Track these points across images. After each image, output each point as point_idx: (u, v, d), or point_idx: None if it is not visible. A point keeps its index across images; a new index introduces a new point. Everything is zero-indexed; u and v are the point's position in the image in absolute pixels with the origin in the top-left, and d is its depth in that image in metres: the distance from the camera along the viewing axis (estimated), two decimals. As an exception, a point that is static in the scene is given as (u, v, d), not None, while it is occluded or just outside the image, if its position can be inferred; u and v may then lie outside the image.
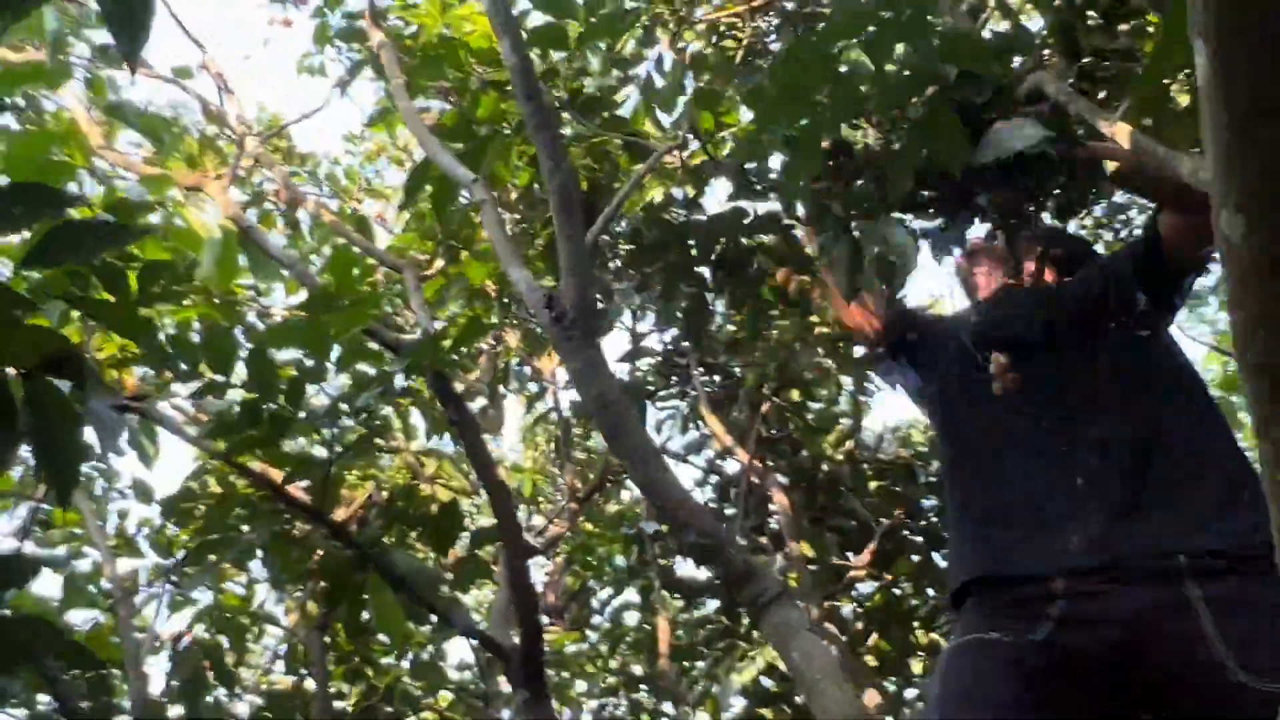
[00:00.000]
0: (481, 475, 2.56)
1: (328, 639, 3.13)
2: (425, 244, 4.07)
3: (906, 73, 1.83)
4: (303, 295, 3.93)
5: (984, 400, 1.97)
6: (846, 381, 5.47)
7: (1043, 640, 1.68)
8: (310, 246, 4.42)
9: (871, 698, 4.27)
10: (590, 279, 1.87)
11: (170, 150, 3.18)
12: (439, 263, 3.90)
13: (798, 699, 4.65)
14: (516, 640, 2.68)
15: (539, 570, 7.01)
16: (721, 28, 4.26)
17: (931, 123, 1.78)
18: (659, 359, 4.97)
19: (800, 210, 2.29)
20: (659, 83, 3.24)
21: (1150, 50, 1.39)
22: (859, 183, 2.00)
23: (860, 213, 2.01)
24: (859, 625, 5.05)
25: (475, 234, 4.00)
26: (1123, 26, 2.29)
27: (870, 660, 4.97)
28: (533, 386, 5.89)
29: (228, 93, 3.91)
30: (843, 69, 1.83)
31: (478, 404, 5.07)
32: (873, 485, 5.43)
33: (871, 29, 1.77)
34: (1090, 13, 2.34)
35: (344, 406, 2.50)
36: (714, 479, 5.62)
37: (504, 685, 6.52)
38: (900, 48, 1.80)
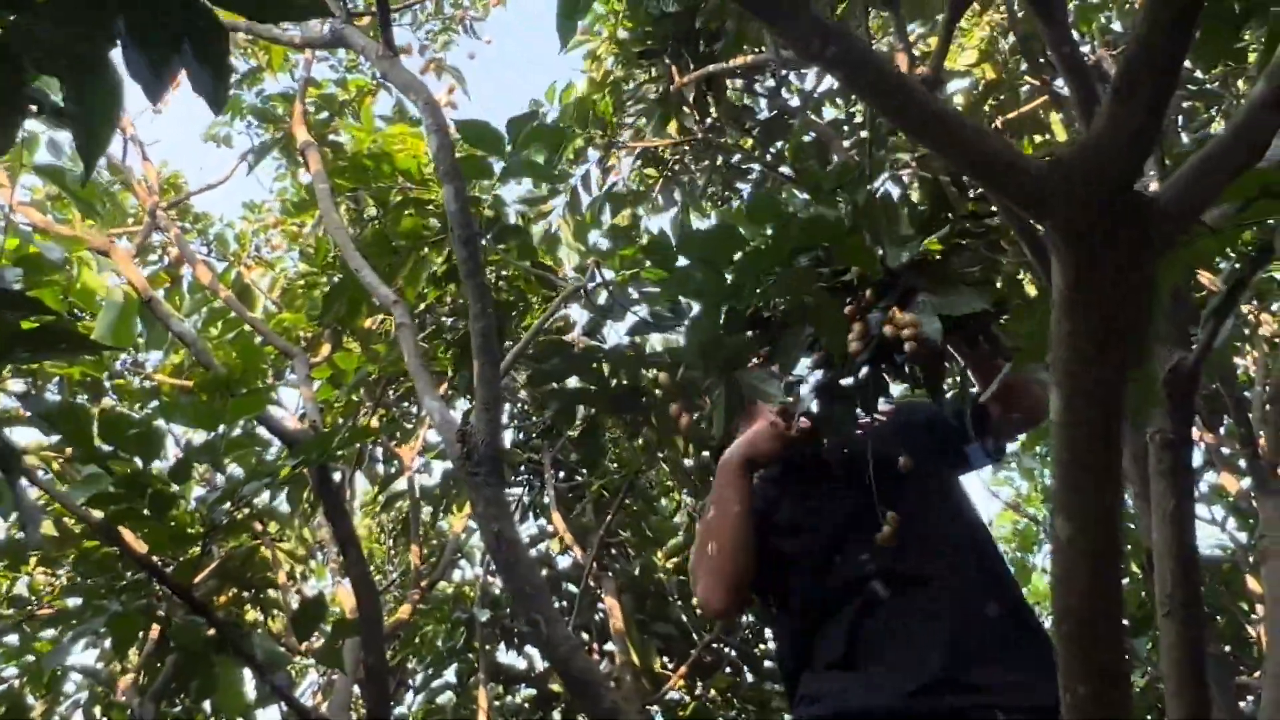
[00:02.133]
0: (351, 570, 2.67)
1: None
2: (311, 325, 4.16)
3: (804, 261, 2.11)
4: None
5: (820, 543, 2.22)
6: (687, 500, 5.79)
7: None
8: (189, 306, 4.44)
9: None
10: (500, 420, 2.06)
11: (93, 216, 3.22)
12: (325, 347, 4.00)
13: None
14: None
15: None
16: (643, 156, 4.58)
17: (818, 310, 2.03)
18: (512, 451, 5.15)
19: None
20: (585, 199, 3.49)
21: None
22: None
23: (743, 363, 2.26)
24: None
25: (360, 322, 4.12)
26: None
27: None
28: (379, 468, 5.98)
29: (144, 160, 3.96)
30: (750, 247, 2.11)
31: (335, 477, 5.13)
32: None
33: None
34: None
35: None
36: (546, 570, 5.79)
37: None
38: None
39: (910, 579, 2.08)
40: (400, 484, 6.50)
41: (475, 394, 2.06)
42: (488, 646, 5.68)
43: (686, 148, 4.54)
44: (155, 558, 2.60)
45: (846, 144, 4.00)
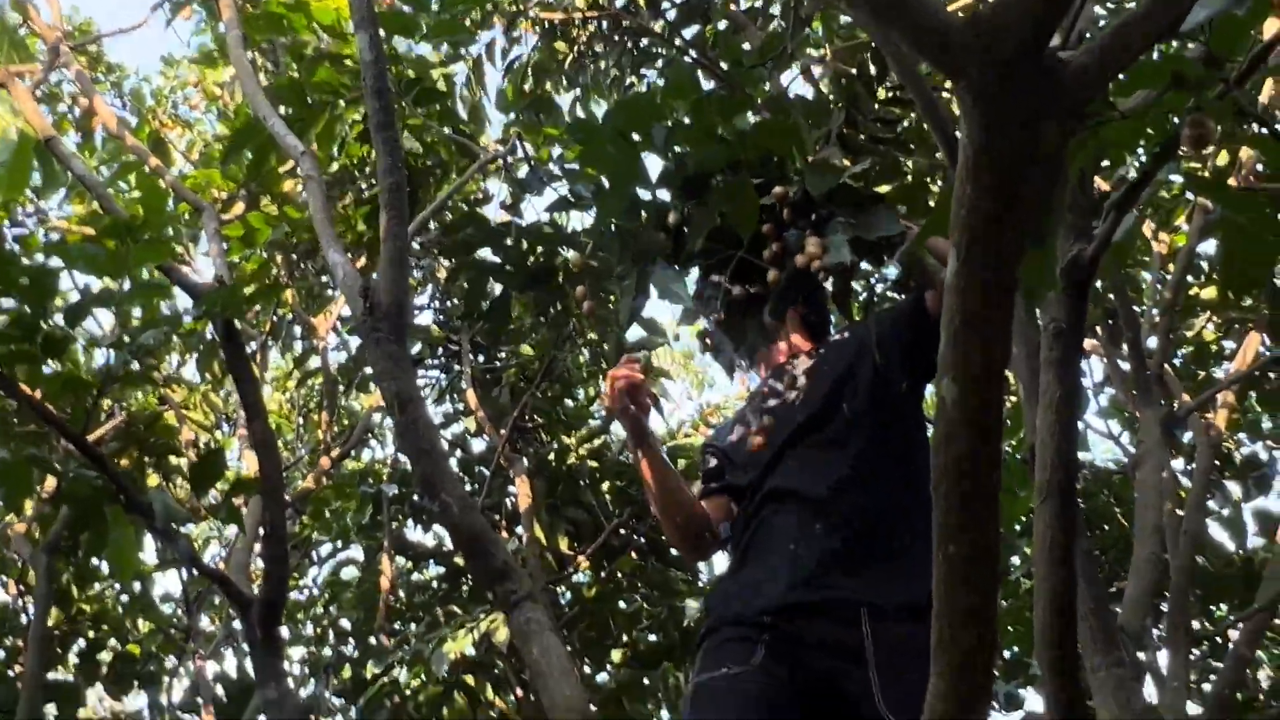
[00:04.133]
0: (252, 427, 2.63)
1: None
2: (225, 183, 4.01)
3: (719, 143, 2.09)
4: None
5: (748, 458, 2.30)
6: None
7: (758, 665, 2.02)
8: (102, 158, 4.24)
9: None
10: (406, 277, 2.02)
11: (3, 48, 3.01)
12: (239, 206, 3.87)
13: (496, 670, 4.92)
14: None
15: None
16: (554, 27, 4.42)
17: (731, 191, 2.03)
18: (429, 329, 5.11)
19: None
20: (491, 71, 3.38)
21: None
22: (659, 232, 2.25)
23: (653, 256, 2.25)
24: (569, 610, 5.41)
25: (277, 184, 3.99)
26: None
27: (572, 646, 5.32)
28: (298, 344, 5.88)
29: (50, -4, 3.72)
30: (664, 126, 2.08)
31: (248, 349, 5.03)
32: (607, 485, 5.82)
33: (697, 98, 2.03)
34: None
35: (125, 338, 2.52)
36: (459, 453, 5.83)
37: (205, 624, 6.44)
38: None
39: (801, 497, 2.15)
40: (314, 361, 6.42)
41: (383, 249, 2.02)
42: (394, 523, 5.71)
43: (594, 26, 4.39)
44: (50, 407, 2.54)
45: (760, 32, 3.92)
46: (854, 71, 3.11)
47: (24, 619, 4.75)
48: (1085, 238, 1.67)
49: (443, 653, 4.57)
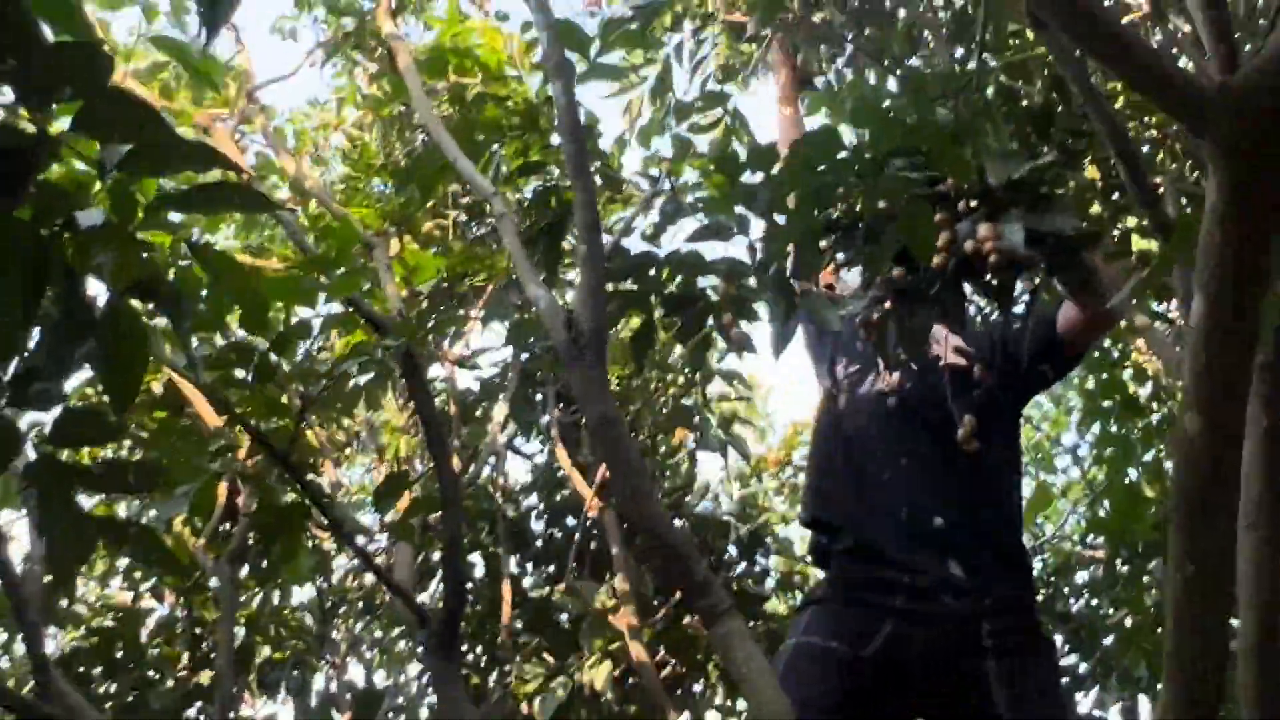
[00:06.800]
0: (432, 449, 2.80)
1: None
2: (378, 221, 4.23)
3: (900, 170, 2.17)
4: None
5: (879, 415, 2.40)
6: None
7: (870, 656, 2.14)
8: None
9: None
10: (604, 306, 2.17)
11: (210, 90, 3.26)
12: (394, 243, 4.10)
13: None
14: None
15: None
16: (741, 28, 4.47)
17: (912, 218, 2.10)
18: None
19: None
20: (677, 72, 3.48)
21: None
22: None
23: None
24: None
25: (420, 224, 4.20)
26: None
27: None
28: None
29: (238, 43, 4.01)
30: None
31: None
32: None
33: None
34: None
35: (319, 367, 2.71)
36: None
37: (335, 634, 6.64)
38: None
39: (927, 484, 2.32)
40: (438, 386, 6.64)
41: (581, 279, 2.15)
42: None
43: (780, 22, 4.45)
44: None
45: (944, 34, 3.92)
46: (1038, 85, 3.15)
47: (178, 628, 5.04)
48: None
49: (551, 698, 4.66)
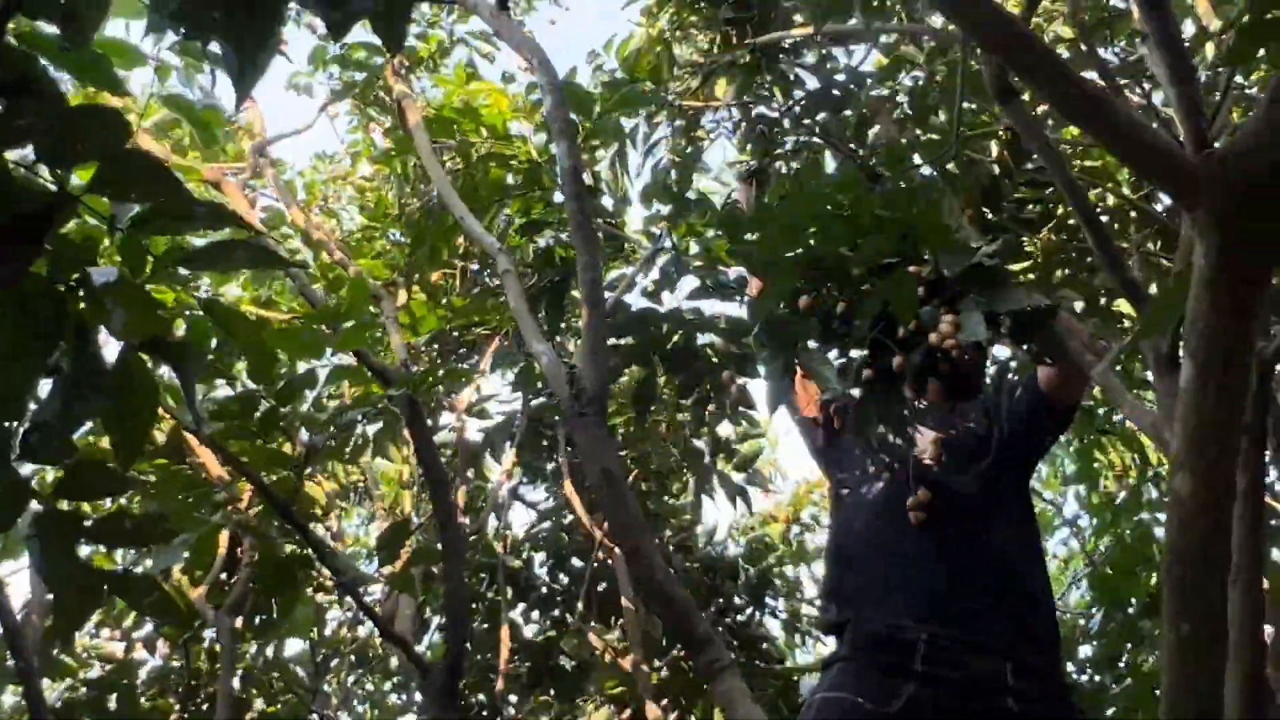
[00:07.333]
0: (435, 498, 2.81)
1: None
2: (385, 272, 4.28)
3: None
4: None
5: (888, 507, 2.42)
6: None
7: (895, 713, 2.14)
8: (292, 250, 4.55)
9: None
10: (606, 364, 2.19)
11: (216, 147, 3.33)
12: (403, 294, 4.14)
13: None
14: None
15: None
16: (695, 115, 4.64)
17: (896, 281, 2.13)
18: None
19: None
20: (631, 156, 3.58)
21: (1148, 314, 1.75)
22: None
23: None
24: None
25: (428, 276, 4.26)
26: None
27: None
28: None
29: (249, 100, 4.07)
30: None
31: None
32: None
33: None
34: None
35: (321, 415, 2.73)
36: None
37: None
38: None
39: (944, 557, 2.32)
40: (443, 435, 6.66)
41: (584, 339, 2.18)
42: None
43: (729, 112, 4.61)
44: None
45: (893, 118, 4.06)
46: (991, 157, 3.25)
47: (172, 678, 4.99)
48: (1265, 334, 1.77)
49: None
